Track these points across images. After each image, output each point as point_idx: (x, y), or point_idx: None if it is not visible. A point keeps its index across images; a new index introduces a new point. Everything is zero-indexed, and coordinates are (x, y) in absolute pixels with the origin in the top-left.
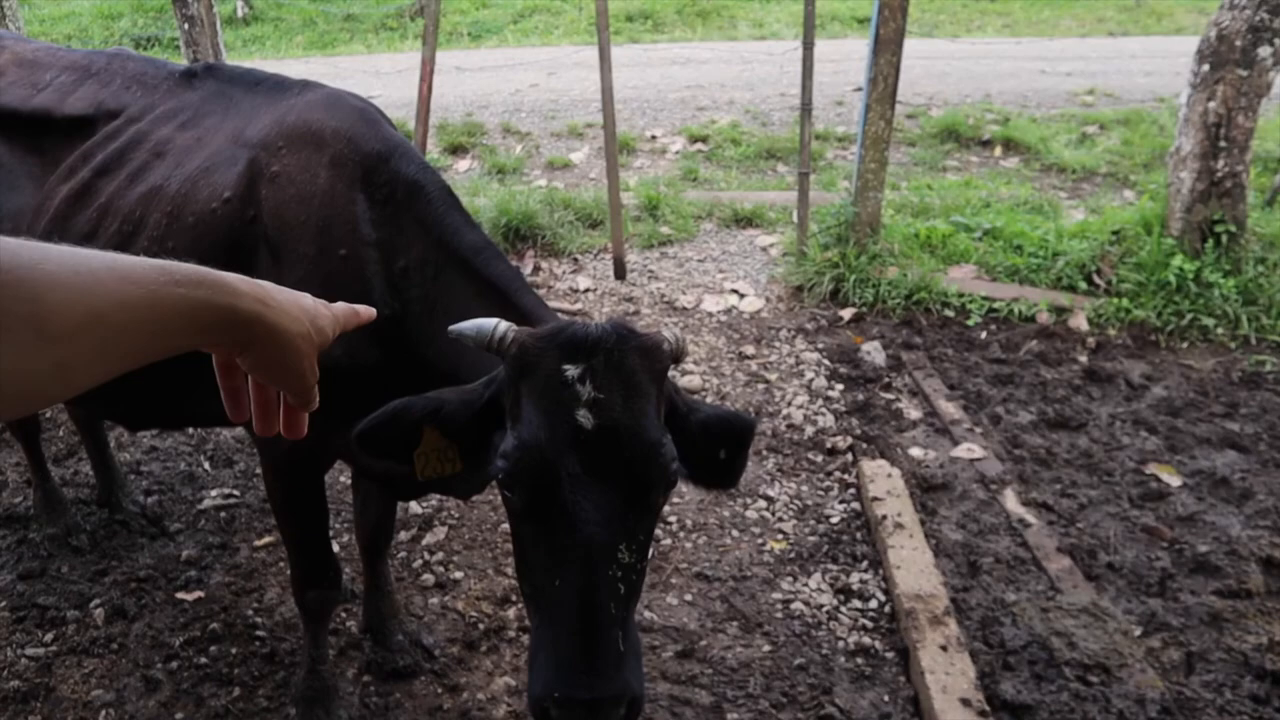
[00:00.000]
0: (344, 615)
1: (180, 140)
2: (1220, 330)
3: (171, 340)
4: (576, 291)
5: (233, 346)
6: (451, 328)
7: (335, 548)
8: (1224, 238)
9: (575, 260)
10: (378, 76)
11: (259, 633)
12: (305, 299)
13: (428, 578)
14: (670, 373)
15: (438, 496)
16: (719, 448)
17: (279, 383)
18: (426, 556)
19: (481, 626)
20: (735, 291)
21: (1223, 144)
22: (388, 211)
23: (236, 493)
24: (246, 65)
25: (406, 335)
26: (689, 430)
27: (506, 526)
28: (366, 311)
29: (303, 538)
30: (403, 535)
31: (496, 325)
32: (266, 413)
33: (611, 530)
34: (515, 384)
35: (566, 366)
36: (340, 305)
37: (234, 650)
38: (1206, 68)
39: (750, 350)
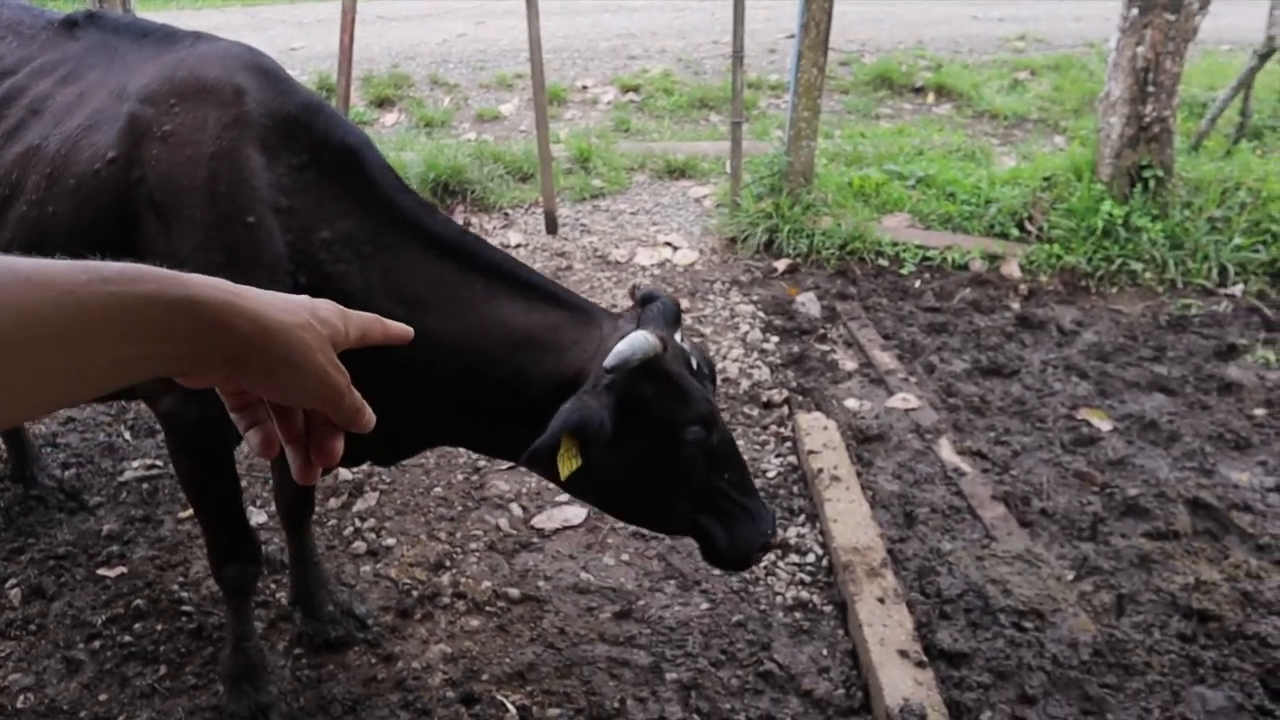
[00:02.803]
0: (273, 587)
1: (60, 96)
2: (1148, 275)
3: (119, 352)
4: (507, 247)
5: (221, 362)
6: (608, 363)
7: (264, 517)
8: (1152, 182)
9: (506, 215)
10: (300, 27)
11: (185, 608)
12: (288, 294)
13: (359, 545)
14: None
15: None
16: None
17: (300, 396)
18: (357, 523)
19: (415, 594)
20: (669, 244)
21: (1150, 89)
22: (307, 178)
23: (159, 463)
24: (149, 17)
25: None
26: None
27: (439, 490)
28: (399, 329)
29: (215, 512)
30: (332, 502)
31: (648, 339)
32: (298, 447)
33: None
34: (658, 373)
35: (678, 336)
36: (356, 313)
37: (159, 627)
38: (1135, 12)
39: (685, 304)
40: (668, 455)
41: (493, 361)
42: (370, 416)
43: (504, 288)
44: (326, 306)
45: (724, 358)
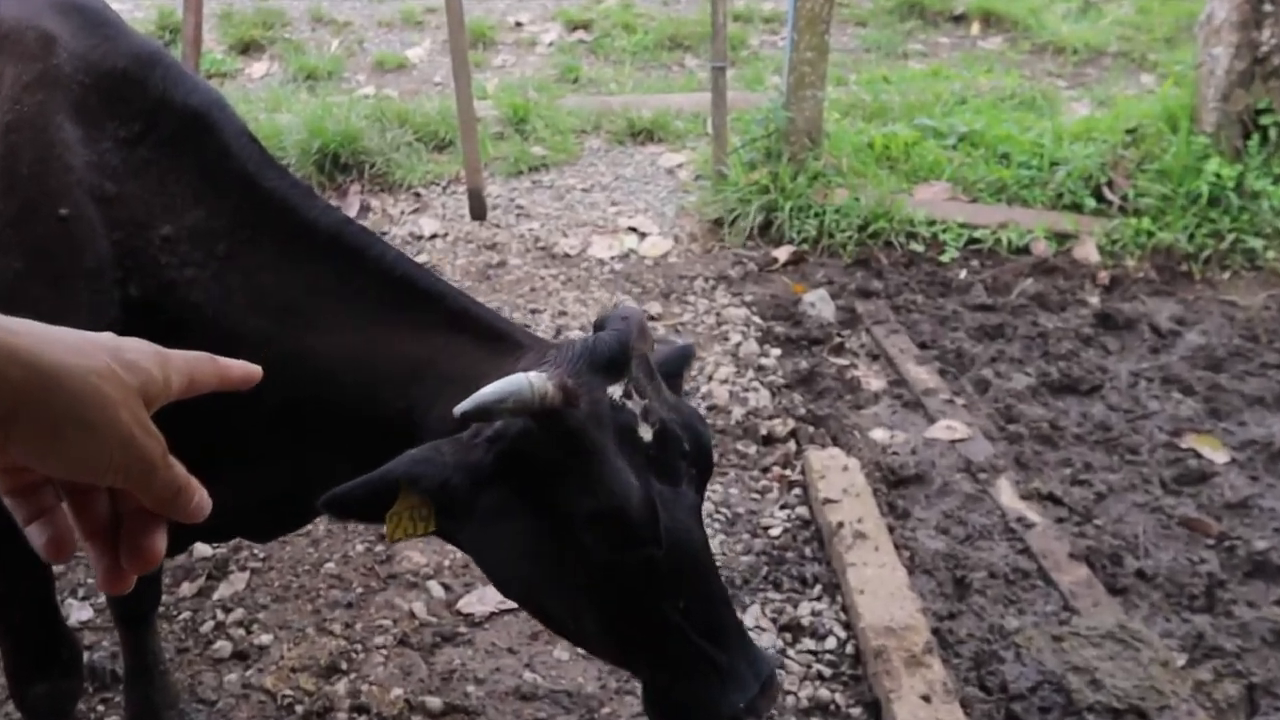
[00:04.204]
0: (101, 709)
1: None
2: (1271, 254)
3: None
4: (420, 239)
5: None
6: (459, 409)
7: (89, 612)
8: (1272, 132)
9: (417, 196)
10: None
11: None
12: (83, 332)
13: (223, 645)
14: None
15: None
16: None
17: (97, 470)
18: (220, 615)
19: (300, 709)
20: (634, 230)
21: (1269, 7)
22: (140, 155)
23: None
24: None
25: (182, 335)
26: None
27: (331, 566)
28: (244, 369)
29: (13, 614)
30: (185, 588)
31: (530, 383)
32: (102, 544)
33: (701, 525)
34: (563, 435)
35: (612, 389)
36: (179, 354)
37: None
38: None
39: (656, 308)
40: (571, 560)
41: (378, 396)
42: (201, 501)
43: (397, 299)
44: (135, 347)
45: (709, 378)
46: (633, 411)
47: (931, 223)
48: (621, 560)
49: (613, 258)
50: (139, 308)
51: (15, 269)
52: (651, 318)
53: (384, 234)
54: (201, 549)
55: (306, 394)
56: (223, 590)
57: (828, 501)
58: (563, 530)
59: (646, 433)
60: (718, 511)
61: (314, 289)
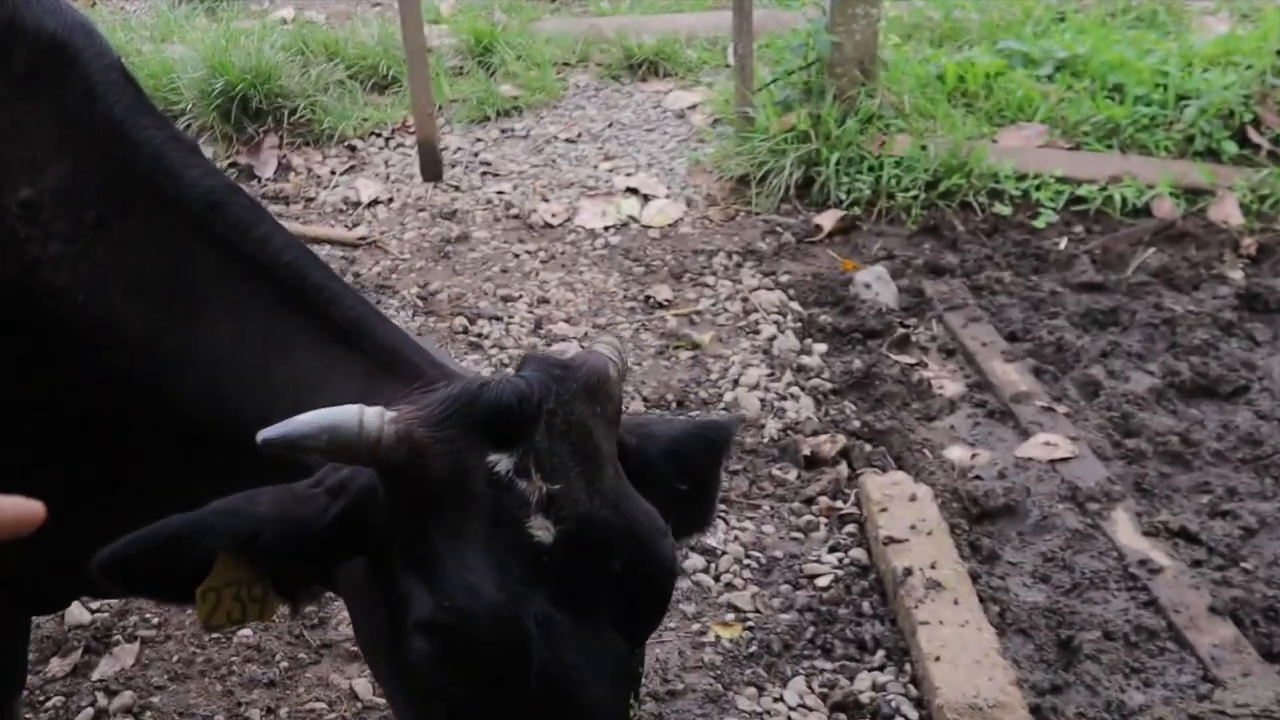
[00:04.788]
0: None
1: None
2: None
3: None
4: (355, 207)
5: None
6: (261, 435)
7: None
8: None
9: (351, 150)
10: None
11: None
12: None
13: None
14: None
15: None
16: (682, 478)
17: None
18: (102, 700)
19: None
20: (634, 192)
21: None
22: None
23: None
24: None
25: (47, 331)
26: (649, 466)
27: (246, 633)
28: (17, 512)
29: None
30: (56, 666)
31: (359, 419)
32: None
33: (617, 684)
34: (410, 501)
35: (494, 457)
36: None
37: None
38: None
39: (664, 292)
40: (410, 664)
41: (270, 417)
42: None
43: (283, 296)
44: None
45: (734, 383)
46: (523, 495)
47: (1021, 177)
48: (461, 693)
49: (607, 228)
50: None
51: None
52: (657, 304)
53: (310, 200)
54: (77, 615)
55: (186, 410)
56: (105, 667)
57: (891, 541)
58: (400, 628)
59: (544, 531)
60: (748, 556)
61: (189, 274)
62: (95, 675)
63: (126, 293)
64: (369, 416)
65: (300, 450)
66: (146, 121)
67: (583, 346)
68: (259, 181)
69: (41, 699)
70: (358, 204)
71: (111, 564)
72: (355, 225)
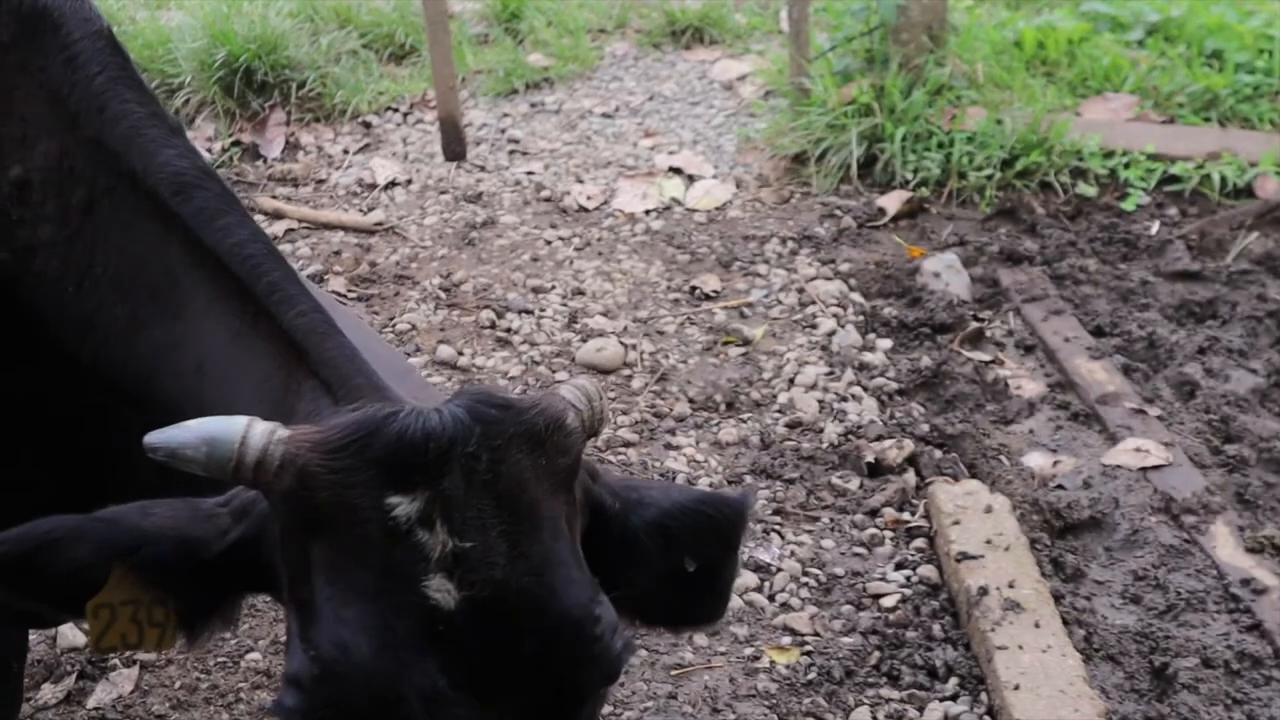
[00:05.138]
0: None
1: None
2: None
3: None
4: (370, 189)
5: None
6: (148, 439)
7: None
8: None
9: (366, 127)
10: None
11: None
12: None
13: None
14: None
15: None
16: (685, 555)
17: None
18: None
19: None
20: (678, 172)
21: None
22: None
23: None
24: None
25: (36, 327)
26: (631, 538)
27: (255, 657)
28: None
29: None
30: (48, 693)
31: (246, 433)
32: None
33: None
34: (296, 536)
35: (394, 500)
36: None
37: None
38: None
39: (712, 283)
40: None
41: (188, 415)
42: None
43: (245, 295)
44: None
45: (789, 382)
46: (422, 549)
47: (1108, 154)
48: None
49: (648, 212)
50: None
51: None
52: (704, 296)
53: (320, 182)
54: (70, 637)
55: (154, 407)
56: (101, 694)
57: (964, 558)
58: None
59: (444, 594)
60: (805, 573)
61: (154, 263)
62: (91, 703)
63: (113, 282)
64: (255, 433)
65: (180, 461)
66: (129, 95)
67: (622, 343)
68: (265, 162)
69: None
70: (373, 186)
71: (39, 545)
72: (370, 210)
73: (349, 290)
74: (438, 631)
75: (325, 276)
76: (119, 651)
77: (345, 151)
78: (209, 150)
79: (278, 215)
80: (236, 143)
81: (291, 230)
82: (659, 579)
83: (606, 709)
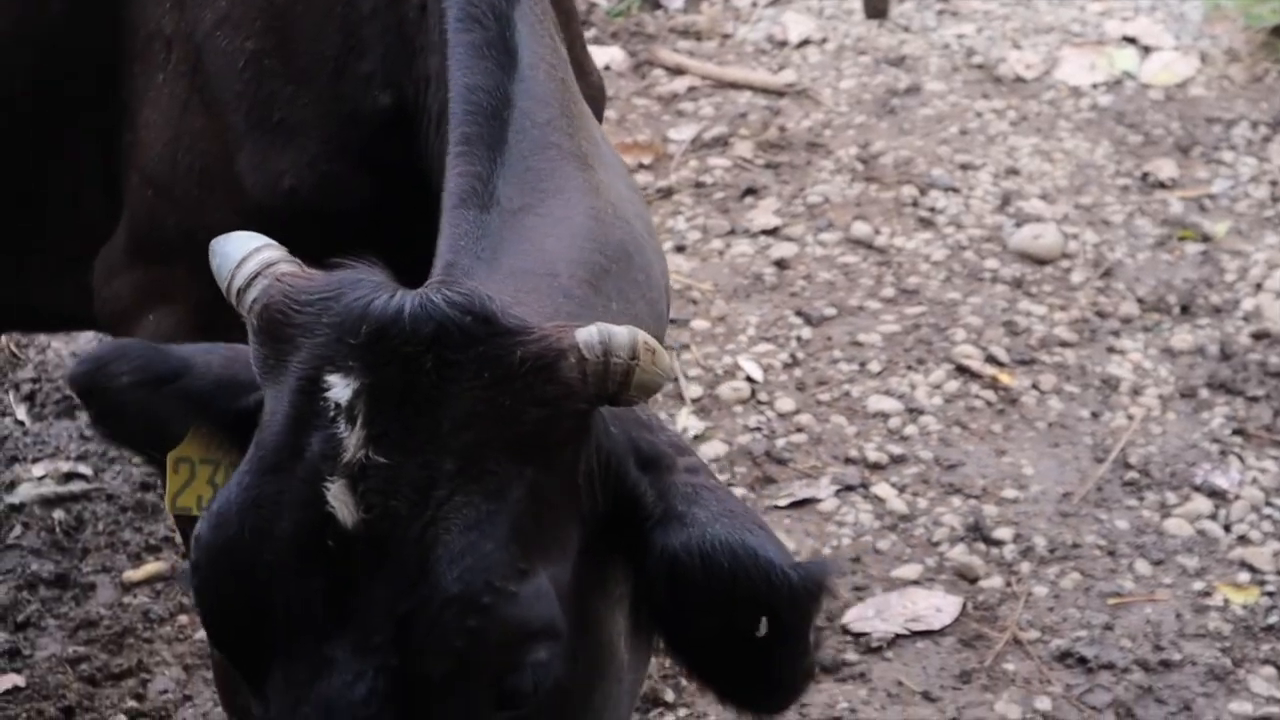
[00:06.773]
0: None
1: None
2: None
3: None
4: (781, 47)
5: None
6: (214, 242)
7: None
8: None
9: None
10: None
11: None
12: None
13: None
14: (605, 414)
15: None
16: (750, 614)
17: None
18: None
19: None
20: (1131, 41)
21: None
22: None
23: (86, 470)
24: None
25: (414, 152)
26: (670, 559)
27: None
28: None
29: None
30: None
31: (248, 256)
32: None
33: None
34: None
35: (331, 379)
36: None
37: None
38: None
39: (1167, 169)
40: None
41: None
42: None
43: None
44: None
45: (1256, 287)
46: (339, 444)
47: None
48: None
49: (1095, 86)
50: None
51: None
52: (1157, 185)
53: (726, 38)
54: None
55: None
56: None
57: None
58: None
59: (345, 506)
60: (1269, 503)
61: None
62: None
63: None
64: (255, 259)
65: (213, 269)
66: None
67: (1061, 232)
68: (666, 12)
69: None
70: (784, 44)
71: (89, 369)
72: (781, 69)
73: (755, 156)
74: (326, 547)
75: (730, 140)
76: (191, 512)
77: (754, 4)
78: None
79: (679, 71)
80: None
81: (694, 88)
82: (723, 630)
83: (1034, 634)
